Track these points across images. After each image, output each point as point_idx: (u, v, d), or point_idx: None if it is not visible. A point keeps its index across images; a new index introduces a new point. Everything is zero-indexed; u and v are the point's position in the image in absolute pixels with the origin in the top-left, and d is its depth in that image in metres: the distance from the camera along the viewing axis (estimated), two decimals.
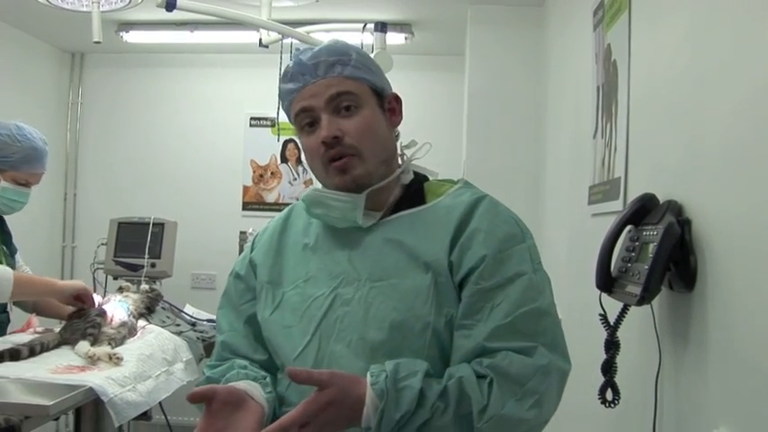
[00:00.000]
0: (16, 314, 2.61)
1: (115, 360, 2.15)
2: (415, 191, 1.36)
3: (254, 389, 1.24)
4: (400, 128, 1.39)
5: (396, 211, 1.33)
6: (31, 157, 2.46)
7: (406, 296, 1.23)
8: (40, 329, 2.52)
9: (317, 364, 1.24)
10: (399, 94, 1.40)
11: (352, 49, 1.34)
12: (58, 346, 2.31)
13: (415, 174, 1.39)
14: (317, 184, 1.38)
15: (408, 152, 1.39)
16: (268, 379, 1.30)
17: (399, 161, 1.38)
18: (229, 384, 1.24)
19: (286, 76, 1.34)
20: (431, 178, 1.41)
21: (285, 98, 1.35)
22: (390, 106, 1.37)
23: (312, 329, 1.27)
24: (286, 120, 1.41)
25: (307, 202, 1.34)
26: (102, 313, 2.43)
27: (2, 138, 2.41)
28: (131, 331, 2.52)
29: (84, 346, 2.23)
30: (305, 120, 1.31)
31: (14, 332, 2.53)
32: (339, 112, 1.29)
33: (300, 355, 1.27)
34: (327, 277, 1.30)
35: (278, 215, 1.48)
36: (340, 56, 1.31)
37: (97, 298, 2.60)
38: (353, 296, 1.26)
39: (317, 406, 1.11)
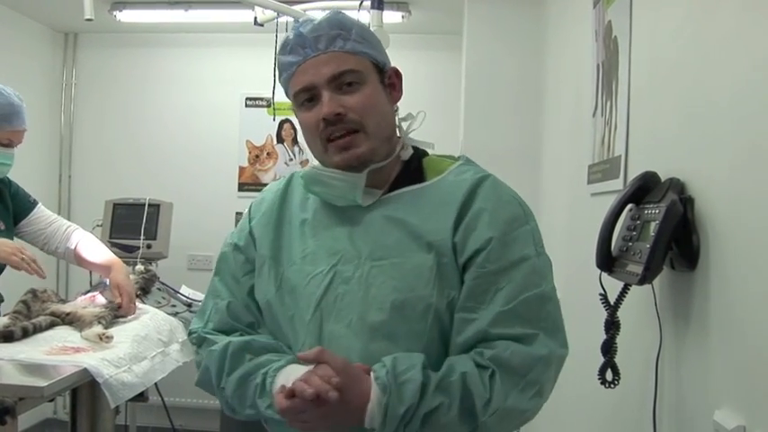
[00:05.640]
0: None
1: (105, 339, 2.13)
2: (415, 168, 1.33)
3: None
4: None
5: (395, 188, 1.30)
6: (9, 114, 2.39)
7: (407, 276, 1.21)
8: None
9: (318, 344, 1.21)
10: None
11: (353, 22, 1.30)
12: (51, 326, 2.29)
13: (414, 149, 1.36)
14: (315, 163, 1.35)
15: (405, 125, 1.36)
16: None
17: (398, 132, 1.35)
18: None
19: (285, 48, 1.30)
20: (429, 152, 1.38)
21: (284, 71, 1.31)
22: (390, 81, 1.33)
23: (312, 309, 1.25)
24: (282, 100, 1.38)
25: (305, 180, 1.32)
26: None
27: None
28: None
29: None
30: (304, 97, 1.27)
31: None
32: (341, 88, 1.25)
33: (302, 337, 1.25)
34: (326, 254, 1.28)
35: (273, 184, 1.44)
36: (341, 29, 1.27)
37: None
38: (353, 274, 1.24)
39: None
